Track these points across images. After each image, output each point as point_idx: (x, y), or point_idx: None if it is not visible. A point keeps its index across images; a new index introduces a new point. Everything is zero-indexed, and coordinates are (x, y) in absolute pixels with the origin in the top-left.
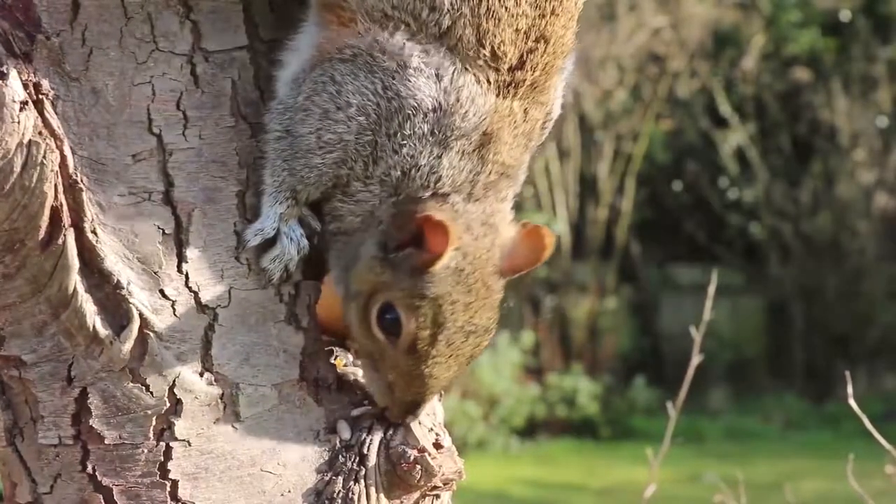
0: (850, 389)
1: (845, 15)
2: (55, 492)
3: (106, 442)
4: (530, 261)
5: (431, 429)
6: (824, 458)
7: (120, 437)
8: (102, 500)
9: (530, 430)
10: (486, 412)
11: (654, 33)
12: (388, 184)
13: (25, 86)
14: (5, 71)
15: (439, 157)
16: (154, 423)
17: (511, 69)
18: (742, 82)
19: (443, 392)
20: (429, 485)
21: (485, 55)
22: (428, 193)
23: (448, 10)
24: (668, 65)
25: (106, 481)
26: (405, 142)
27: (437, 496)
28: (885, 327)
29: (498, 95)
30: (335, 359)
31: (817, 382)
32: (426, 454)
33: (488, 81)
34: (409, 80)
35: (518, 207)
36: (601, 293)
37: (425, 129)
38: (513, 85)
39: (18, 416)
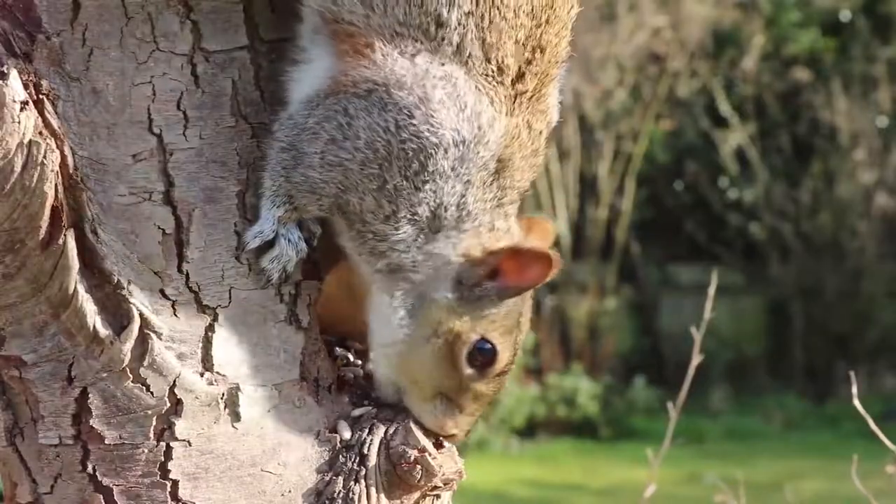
0: (854, 390)
1: (845, 15)
2: (55, 492)
3: (106, 442)
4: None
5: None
6: (824, 458)
7: (120, 437)
8: (103, 501)
9: (530, 430)
10: (486, 412)
11: (654, 33)
12: (419, 224)
13: (26, 86)
14: (6, 71)
15: (464, 194)
16: (154, 423)
17: (513, 82)
18: (742, 82)
19: None
20: (429, 485)
21: (492, 70)
22: (467, 228)
23: (455, 27)
24: (668, 65)
25: (106, 481)
26: (428, 178)
27: (438, 496)
28: (885, 327)
29: (507, 114)
30: (335, 359)
31: (817, 382)
32: (426, 454)
33: (500, 100)
34: (433, 116)
35: (518, 207)
36: (601, 293)
37: (446, 166)
38: (516, 99)
39: (19, 416)
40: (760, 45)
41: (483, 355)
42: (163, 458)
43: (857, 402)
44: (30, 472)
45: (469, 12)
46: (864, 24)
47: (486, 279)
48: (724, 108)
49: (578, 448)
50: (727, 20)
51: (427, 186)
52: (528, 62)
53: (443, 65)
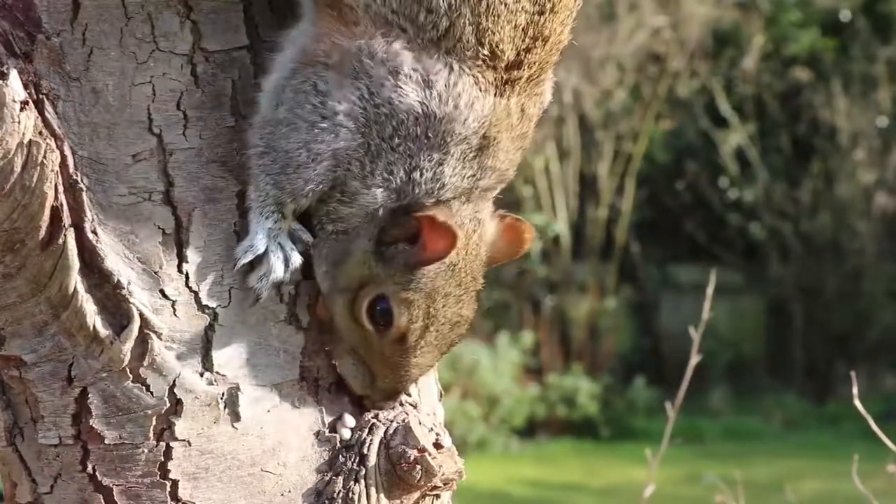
0: (854, 390)
1: (845, 15)
2: (55, 492)
3: (106, 442)
4: (508, 255)
5: (432, 429)
6: (824, 458)
7: (120, 437)
8: (103, 500)
9: (530, 430)
10: (486, 412)
11: (654, 33)
12: (391, 187)
13: (26, 86)
14: (6, 71)
15: (441, 163)
16: (154, 423)
17: (508, 67)
18: (742, 82)
19: (442, 392)
20: (429, 485)
21: (484, 55)
22: (431, 201)
23: (445, 12)
24: (668, 65)
25: (106, 481)
26: (401, 142)
27: (438, 496)
28: (885, 327)
29: (496, 95)
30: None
31: (817, 382)
32: (426, 454)
33: (488, 81)
34: (400, 87)
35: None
36: (601, 293)
37: (418, 132)
38: (510, 83)
39: (18, 415)
40: (760, 45)
41: (382, 316)
42: (163, 458)
43: (857, 402)
44: (30, 472)
45: None
46: (864, 24)
47: (402, 240)
48: (724, 108)
49: (578, 448)
50: (727, 20)
51: (401, 149)
52: (528, 50)
53: (413, 50)
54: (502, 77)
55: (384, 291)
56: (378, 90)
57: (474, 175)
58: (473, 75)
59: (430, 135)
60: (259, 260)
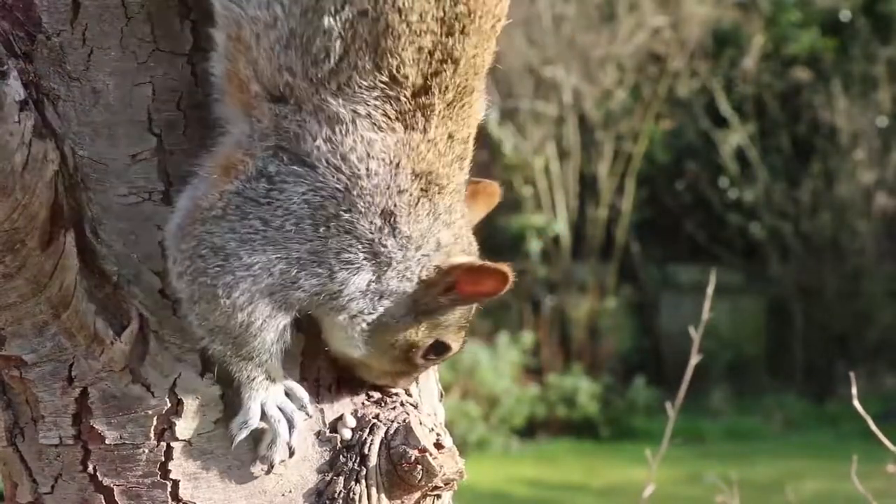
0: (853, 390)
1: (845, 15)
2: (56, 492)
3: (107, 442)
4: (484, 212)
5: (432, 429)
6: (824, 458)
7: (121, 438)
8: (103, 501)
9: (530, 430)
10: (486, 412)
11: (654, 33)
12: (362, 269)
13: (26, 85)
14: (6, 70)
15: (392, 224)
16: (155, 423)
17: (415, 94)
18: (742, 82)
19: (442, 392)
20: (430, 485)
21: (382, 82)
22: (412, 256)
23: (340, 33)
24: (668, 65)
25: (107, 481)
26: (329, 228)
27: (438, 496)
28: (885, 327)
29: (407, 128)
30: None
31: (817, 382)
32: (427, 454)
33: (388, 117)
34: (278, 197)
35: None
36: (601, 293)
37: (340, 213)
38: (421, 112)
39: (19, 416)
40: (760, 45)
41: (437, 352)
42: (163, 458)
43: (856, 403)
44: (30, 472)
45: (363, 11)
46: (864, 24)
47: (441, 295)
48: (724, 108)
49: (578, 448)
50: (727, 20)
51: (336, 231)
52: (436, 74)
53: (295, 131)
54: (409, 107)
55: (439, 337)
56: (273, 212)
57: (430, 212)
58: (368, 114)
59: (351, 207)
60: (261, 431)
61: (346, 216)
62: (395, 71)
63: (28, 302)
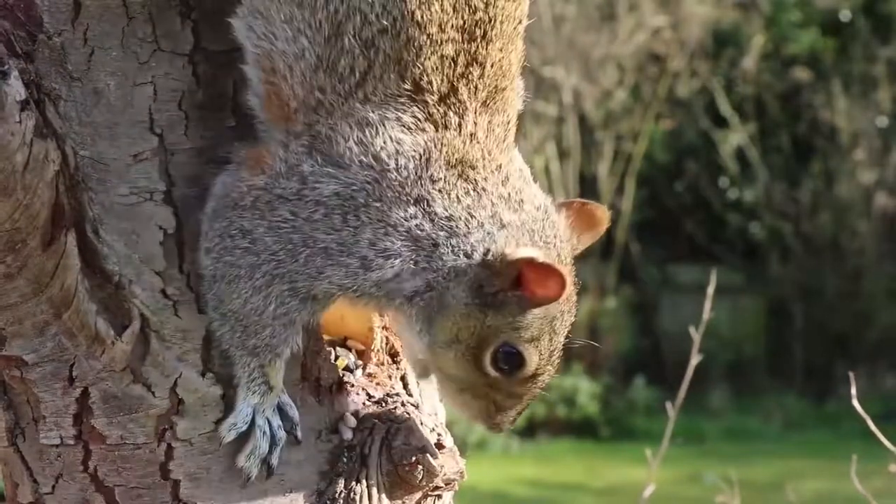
0: (853, 390)
1: (845, 15)
2: (57, 492)
3: (108, 442)
4: (590, 238)
5: (433, 429)
6: (824, 458)
7: (121, 438)
8: (104, 501)
9: (530, 430)
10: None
11: (654, 33)
12: (402, 254)
13: (27, 85)
14: (7, 70)
15: (427, 210)
16: (156, 423)
17: (442, 98)
18: (742, 82)
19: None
20: (430, 485)
21: (407, 90)
22: (461, 230)
23: (361, 52)
24: (668, 65)
25: (108, 481)
26: (360, 220)
27: (439, 496)
28: (885, 327)
29: (438, 128)
30: (336, 359)
31: (817, 382)
32: (428, 454)
33: (417, 118)
34: (318, 186)
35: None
36: (601, 293)
37: (370, 202)
38: (452, 111)
39: (20, 416)
40: (760, 45)
41: (509, 360)
42: (164, 458)
43: (856, 403)
44: (31, 472)
45: (383, 29)
46: (864, 24)
47: (508, 289)
48: (724, 108)
49: (578, 448)
50: (727, 20)
51: (368, 229)
52: (463, 76)
53: (314, 125)
54: (439, 110)
55: (506, 339)
56: (301, 206)
57: (469, 192)
58: (398, 117)
59: (383, 196)
60: (245, 437)
61: (377, 205)
62: (418, 79)
63: (29, 302)
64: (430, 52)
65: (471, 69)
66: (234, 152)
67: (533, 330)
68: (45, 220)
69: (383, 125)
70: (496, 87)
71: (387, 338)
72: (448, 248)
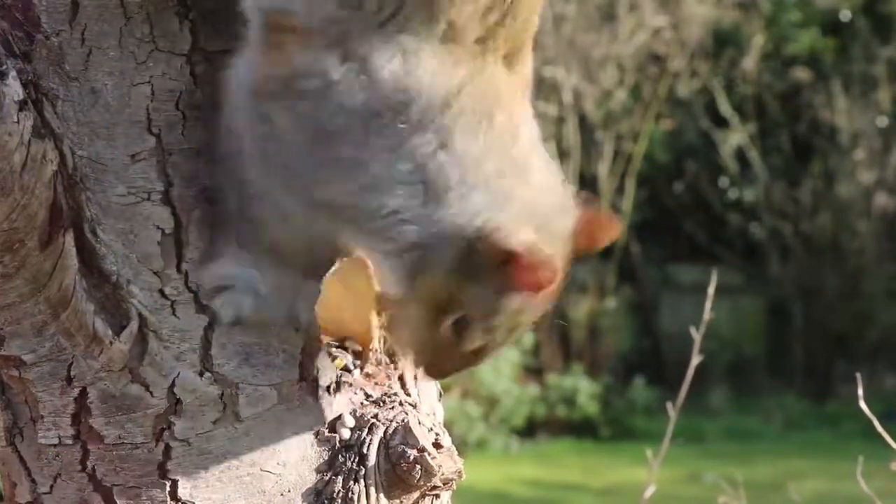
0: (860, 391)
1: (845, 15)
2: (55, 492)
3: (106, 442)
4: (586, 249)
5: (431, 428)
6: (824, 458)
7: (119, 437)
8: (102, 500)
9: (530, 430)
10: (486, 412)
11: (654, 33)
12: (408, 183)
13: (25, 85)
14: (5, 70)
15: (444, 143)
16: (154, 422)
17: (475, 42)
18: (742, 82)
19: (441, 393)
20: (428, 484)
21: (442, 29)
22: (471, 181)
23: None
24: (669, 65)
25: (106, 481)
26: (380, 139)
27: (437, 496)
28: (885, 327)
29: (468, 69)
30: (334, 360)
31: (817, 382)
32: (426, 454)
33: (453, 55)
34: (345, 91)
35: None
36: (601, 293)
37: (399, 125)
38: (483, 58)
39: (18, 415)
40: (760, 45)
41: (462, 330)
42: (162, 458)
43: (862, 403)
44: (29, 471)
45: None
46: (864, 24)
47: (495, 266)
48: (724, 108)
49: (578, 448)
50: (727, 20)
51: (385, 154)
52: (497, 24)
53: (358, 47)
54: (472, 52)
55: (470, 315)
56: (326, 98)
57: (493, 140)
58: (434, 52)
59: (402, 120)
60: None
61: (403, 126)
62: (453, 21)
63: (27, 302)
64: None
65: (504, 20)
66: (245, 39)
67: (499, 314)
68: (42, 220)
69: (418, 55)
70: (521, 43)
71: (384, 338)
72: (454, 197)
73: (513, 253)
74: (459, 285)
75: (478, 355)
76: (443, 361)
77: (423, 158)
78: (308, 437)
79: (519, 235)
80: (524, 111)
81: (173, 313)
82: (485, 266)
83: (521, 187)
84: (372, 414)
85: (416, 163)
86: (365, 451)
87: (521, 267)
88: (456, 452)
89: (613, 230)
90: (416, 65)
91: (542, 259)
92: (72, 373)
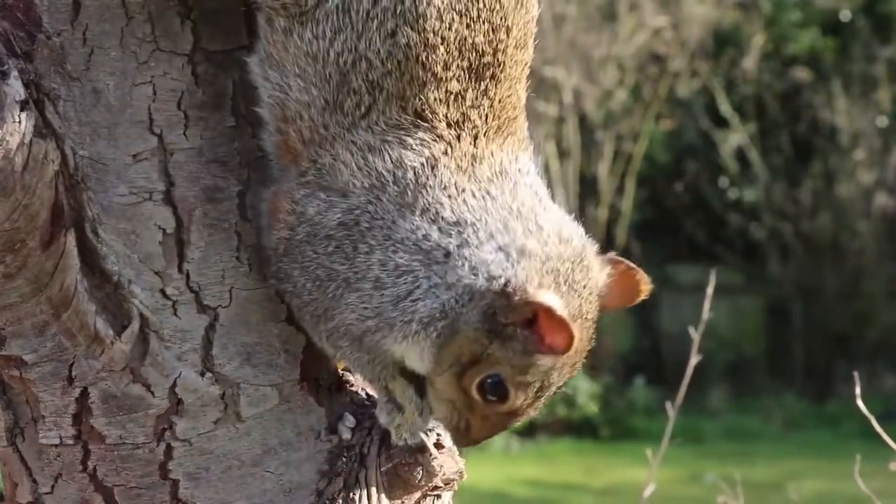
0: (857, 390)
1: (845, 15)
2: (56, 492)
3: (107, 442)
4: (620, 304)
5: (432, 429)
6: (824, 458)
7: (121, 437)
8: (103, 500)
9: (530, 430)
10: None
11: (654, 33)
12: (420, 261)
13: (27, 85)
14: (6, 70)
15: (437, 211)
16: (155, 422)
17: (451, 125)
18: (742, 82)
19: None
20: (430, 485)
21: (409, 119)
22: (471, 238)
23: (367, 90)
24: (669, 65)
25: (107, 481)
26: (391, 245)
27: (439, 496)
28: (885, 327)
29: (447, 143)
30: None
31: (817, 382)
32: (427, 454)
33: (424, 139)
34: (324, 221)
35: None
36: None
37: (377, 223)
38: (465, 132)
39: (19, 415)
40: (760, 45)
41: (494, 391)
42: (163, 458)
43: (860, 403)
44: (30, 472)
45: (387, 72)
46: (864, 24)
47: (520, 325)
48: (724, 108)
49: (578, 448)
50: (727, 20)
51: (378, 252)
52: (473, 107)
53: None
54: (450, 132)
55: (499, 372)
56: (316, 235)
57: (474, 192)
58: (401, 141)
59: (378, 218)
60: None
61: (380, 223)
62: (420, 110)
63: (28, 302)
64: (433, 87)
65: (481, 102)
66: (260, 199)
67: (528, 373)
68: (44, 220)
69: (384, 148)
70: (507, 116)
71: None
72: (461, 259)
73: (536, 307)
74: (487, 343)
75: (510, 416)
76: (474, 427)
77: (417, 244)
78: (309, 437)
79: (540, 293)
80: (521, 167)
81: (175, 313)
82: (511, 322)
83: (535, 243)
84: (373, 414)
85: (411, 250)
86: (366, 451)
87: (546, 322)
88: (457, 452)
89: (645, 287)
90: (382, 157)
91: (562, 318)
92: (73, 373)
